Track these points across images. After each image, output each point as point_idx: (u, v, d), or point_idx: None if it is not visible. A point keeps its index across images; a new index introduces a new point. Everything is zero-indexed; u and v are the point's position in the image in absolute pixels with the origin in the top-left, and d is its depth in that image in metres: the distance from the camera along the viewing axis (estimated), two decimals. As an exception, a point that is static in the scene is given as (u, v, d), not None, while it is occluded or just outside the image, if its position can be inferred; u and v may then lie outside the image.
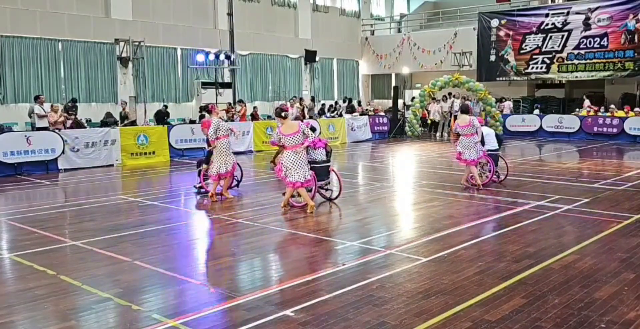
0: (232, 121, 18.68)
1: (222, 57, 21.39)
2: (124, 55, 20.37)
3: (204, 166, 10.79)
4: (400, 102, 25.87)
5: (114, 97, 20.53)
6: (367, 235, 7.56)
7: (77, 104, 18.11)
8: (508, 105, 24.68)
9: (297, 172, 8.79)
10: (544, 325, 4.54)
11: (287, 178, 8.85)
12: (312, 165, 9.27)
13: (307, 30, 27.58)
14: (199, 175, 11.00)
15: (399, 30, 32.11)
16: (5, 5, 17.95)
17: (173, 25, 22.13)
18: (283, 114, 9.00)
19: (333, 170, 9.95)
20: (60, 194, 11.91)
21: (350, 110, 24.79)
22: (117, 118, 18.05)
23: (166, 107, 20.31)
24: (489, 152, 11.13)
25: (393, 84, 30.01)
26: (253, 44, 24.94)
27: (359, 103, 27.39)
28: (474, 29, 26.53)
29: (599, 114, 21.87)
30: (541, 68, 24.88)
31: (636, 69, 22.66)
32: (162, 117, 19.15)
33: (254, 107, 22.16)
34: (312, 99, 25.82)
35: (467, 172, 11.15)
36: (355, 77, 30.84)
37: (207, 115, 10.79)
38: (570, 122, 21.93)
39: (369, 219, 8.75)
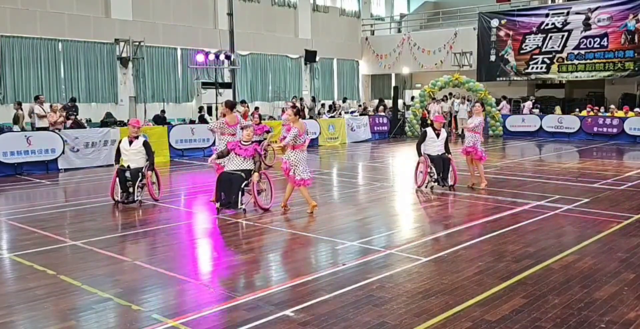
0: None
1: (222, 57, 21.37)
2: (124, 55, 20.40)
3: (149, 172, 9.56)
4: (400, 102, 25.90)
5: (114, 97, 20.56)
6: (367, 235, 7.56)
7: (77, 104, 18.13)
8: (528, 105, 24.53)
9: (305, 170, 8.81)
10: (544, 325, 4.53)
11: (295, 177, 8.80)
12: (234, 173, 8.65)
13: (307, 30, 27.61)
14: (141, 186, 9.53)
15: (399, 30, 32.14)
16: (5, 5, 17.98)
17: (173, 25, 22.15)
18: (301, 114, 9.04)
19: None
20: (60, 194, 11.91)
21: (383, 109, 25.35)
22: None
23: (164, 111, 20.27)
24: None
25: (393, 84, 30.05)
26: (253, 44, 24.97)
27: (381, 100, 27.55)
28: (474, 29, 26.57)
29: (599, 114, 21.88)
30: (541, 68, 24.91)
31: (636, 69, 22.68)
32: (160, 122, 19.10)
33: (256, 108, 22.09)
34: (313, 99, 25.85)
35: (473, 170, 11.13)
36: (355, 77, 30.87)
37: (226, 110, 10.16)
38: (570, 122, 21.92)
39: (369, 219, 8.75)
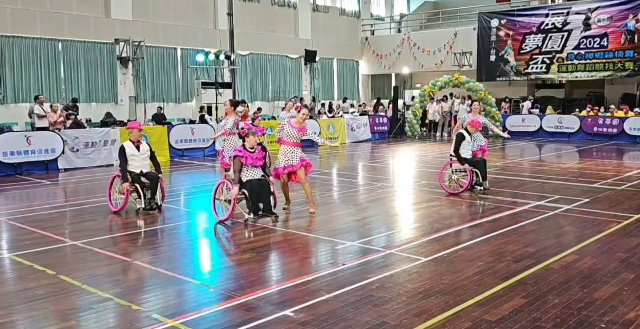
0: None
1: (222, 57, 21.41)
2: (124, 55, 20.40)
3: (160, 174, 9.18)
4: (400, 102, 25.90)
5: (114, 97, 20.57)
6: (367, 235, 7.56)
7: (77, 104, 18.13)
8: (527, 105, 24.52)
9: None
10: (544, 325, 4.54)
11: (306, 172, 8.88)
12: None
13: (307, 30, 27.61)
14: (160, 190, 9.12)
15: (399, 30, 32.14)
16: (5, 5, 17.98)
17: (173, 25, 22.15)
18: None
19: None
20: (60, 194, 11.91)
21: (383, 108, 25.51)
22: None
23: (161, 108, 20.32)
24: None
25: (393, 84, 30.05)
26: (253, 44, 24.98)
27: (379, 100, 27.56)
28: (474, 29, 26.56)
29: (599, 114, 21.88)
30: (541, 68, 24.90)
31: (636, 69, 22.68)
32: (160, 120, 19.14)
33: (259, 109, 22.27)
34: (313, 99, 25.85)
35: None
36: (355, 77, 30.88)
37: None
38: (570, 122, 21.94)
39: (369, 219, 8.74)
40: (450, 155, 10.55)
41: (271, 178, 8.54)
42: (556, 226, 8.02)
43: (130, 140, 9.06)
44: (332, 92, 29.38)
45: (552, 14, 24.44)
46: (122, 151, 8.90)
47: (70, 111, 16.61)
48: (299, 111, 8.91)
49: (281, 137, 8.89)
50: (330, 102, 27.01)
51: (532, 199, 9.77)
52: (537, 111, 24.26)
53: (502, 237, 7.35)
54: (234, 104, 10.24)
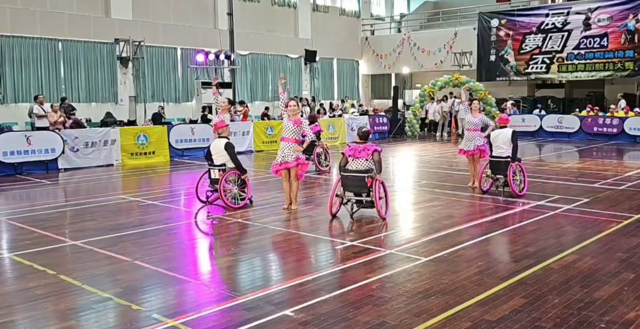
0: (233, 121, 18.70)
1: (222, 57, 21.40)
2: (124, 55, 20.39)
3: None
4: (400, 102, 25.88)
5: (114, 97, 20.56)
6: (367, 235, 7.55)
7: (77, 104, 18.12)
8: (509, 106, 24.53)
9: None
10: (544, 325, 4.54)
11: (299, 169, 9.06)
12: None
13: (307, 30, 27.61)
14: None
15: (399, 30, 32.14)
16: (5, 5, 17.96)
17: (173, 25, 22.14)
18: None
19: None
20: (60, 194, 11.91)
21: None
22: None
23: (162, 107, 20.36)
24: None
25: (393, 84, 30.05)
26: (253, 44, 24.96)
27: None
28: (474, 29, 26.57)
29: (599, 114, 21.88)
30: (541, 68, 24.90)
31: (636, 69, 22.68)
32: (159, 119, 19.14)
33: (266, 108, 22.65)
34: (313, 99, 25.84)
35: (473, 170, 11.17)
36: (355, 77, 30.86)
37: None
38: (570, 122, 21.94)
39: (369, 219, 8.74)
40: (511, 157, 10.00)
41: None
42: (556, 226, 8.02)
43: (227, 137, 9.43)
44: (332, 92, 29.38)
45: (552, 14, 24.44)
46: (233, 145, 9.30)
47: (67, 110, 16.56)
48: (287, 106, 8.98)
49: (283, 136, 9.10)
50: (330, 104, 26.94)
51: (532, 199, 9.77)
52: (537, 111, 24.25)
53: (502, 237, 7.35)
54: (231, 103, 10.49)
